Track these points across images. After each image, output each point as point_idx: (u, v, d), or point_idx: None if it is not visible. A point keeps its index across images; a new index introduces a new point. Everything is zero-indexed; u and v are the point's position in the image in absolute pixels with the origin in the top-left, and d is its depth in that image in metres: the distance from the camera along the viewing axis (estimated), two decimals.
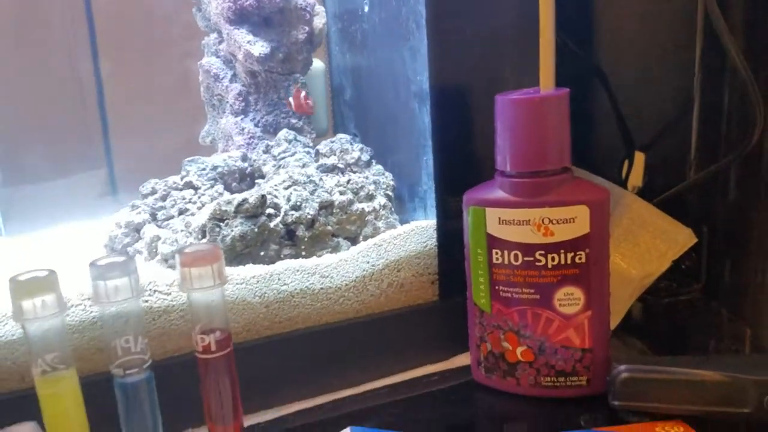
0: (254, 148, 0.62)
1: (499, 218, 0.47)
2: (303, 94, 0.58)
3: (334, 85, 0.71)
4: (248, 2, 0.58)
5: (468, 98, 0.51)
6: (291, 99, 0.59)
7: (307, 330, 0.51)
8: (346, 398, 0.51)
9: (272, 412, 0.50)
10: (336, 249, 0.54)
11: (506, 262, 0.47)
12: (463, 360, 0.54)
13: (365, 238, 0.55)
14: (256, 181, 0.59)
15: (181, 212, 0.55)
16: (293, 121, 0.62)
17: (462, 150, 0.52)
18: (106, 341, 0.40)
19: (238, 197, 0.50)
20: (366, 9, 0.58)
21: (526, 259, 0.46)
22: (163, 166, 0.62)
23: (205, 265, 0.40)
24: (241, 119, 0.62)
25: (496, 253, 0.47)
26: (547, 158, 0.46)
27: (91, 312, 0.46)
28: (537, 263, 0.46)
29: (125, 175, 0.68)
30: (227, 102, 0.63)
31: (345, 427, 0.44)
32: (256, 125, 0.62)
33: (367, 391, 0.51)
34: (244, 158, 0.59)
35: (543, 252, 0.46)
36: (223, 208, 0.50)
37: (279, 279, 0.50)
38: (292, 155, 0.57)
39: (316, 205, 0.52)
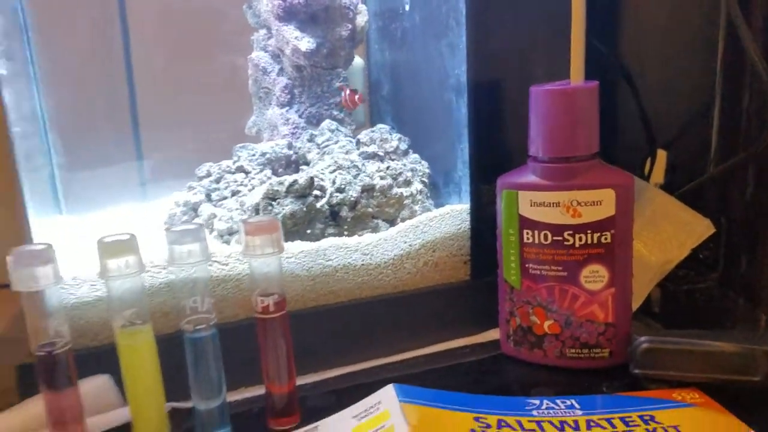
0: (298, 138, 0.66)
1: (531, 201, 0.50)
2: (348, 91, 0.63)
3: (372, 81, 0.75)
4: (297, 0, 0.63)
5: (503, 90, 0.55)
6: (342, 95, 0.64)
7: (349, 302, 0.56)
8: (384, 365, 0.55)
9: (316, 376, 0.54)
10: (375, 230, 0.58)
11: (536, 241, 0.51)
12: (492, 335, 0.58)
13: (402, 221, 0.59)
14: (301, 167, 0.63)
15: (233, 193, 0.60)
16: (335, 113, 0.67)
17: (496, 139, 0.56)
18: (177, 302, 0.44)
19: (288, 178, 0.54)
20: (407, 7, 0.63)
21: (555, 238, 0.50)
22: (211, 154, 0.67)
23: (266, 234, 0.44)
24: (287, 110, 0.67)
25: (527, 233, 0.51)
26: (577, 145, 0.50)
27: (159, 278, 0.50)
28: (565, 242, 0.50)
29: (174, 162, 0.72)
30: (274, 94, 0.67)
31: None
32: (300, 116, 0.67)
33: (402, 360, 0.55)
34: (290, 146, 0.64)
35: (571, 232, 0.50)
36: (275, 188, 0.54)
37: (324, 254, 0.54)
38: (335, 143, 0.61)
39: (358, 188, 0.56)
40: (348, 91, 0.64)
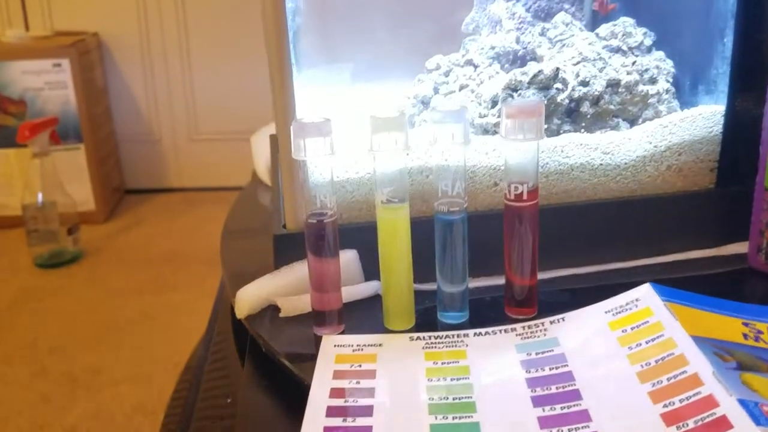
0: (523, 33, 0.64)
1: None
2: None
3: None
4: None
5: None
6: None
7: (582, 203, 0.54)
8: (617, 270, 0.53)
9: (544, 274, 0.53)
10: (614, 129, 0.55)
11: None
12: (734, 249, 0.54)
13: (644, 121, 0.55)
14: (529, 63, 0.61)
15: (461, 88, 0.59)
16: (566, 6, 0.63)
17: (765, 35, 0.50)
18: (429, 186, 0.45)
19: (533, 68, 0.52)
20: None
21: None
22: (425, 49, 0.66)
23: (529, 118, 0.43)
24: (513, 4, 0.64)
25: None
26: None
27: (413, 160, 0.51)
28: None
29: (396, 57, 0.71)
30: None
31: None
32: (527, 10, 0.64)
33: (637, 266, 0.53)
34: (518, 40, 0.62)
35: None
36: (519, 78, 0.53)
37: (562, 151, 0.53)
38: (569, 38, 0.58)
39: (603, 83, 0.53)
40: None
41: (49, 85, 2.00)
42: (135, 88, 2.25)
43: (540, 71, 0.52)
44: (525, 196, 0.45)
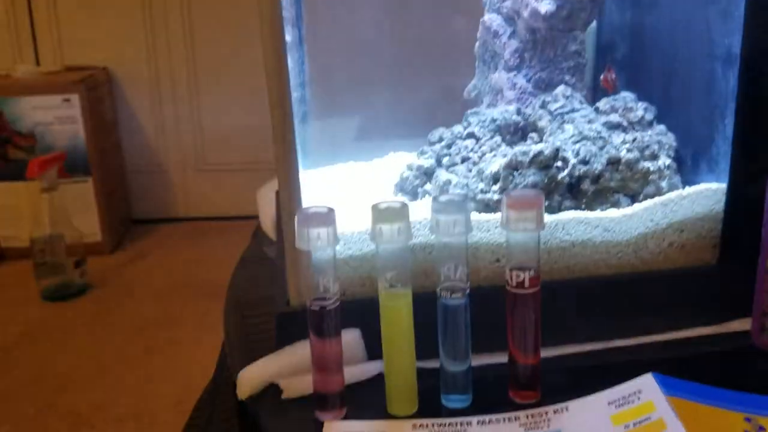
0: (524, 103, 0.64)
1: None
2: (613, 75, 0.60)
3: (601, 44, 0.71)
4: None
5: None
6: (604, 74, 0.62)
7: (584, 279, 0.54)
8: (620, 348, 0.53)
9: (546, 352, 0.53)
10: (615, 205, 0.56)
11: None
12: (738, 326, 0.54)
13: (645, 197, 0.56)
14: (530, 134, 0.61)
15: (463, 160, 0.60)
16: (566, 77, 0.64)
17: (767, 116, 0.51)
18: (435, 266, 0.45)
19: (534, 148, 0.53)
20: None
21: None
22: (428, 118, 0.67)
23: (529, 210, 0.43)
24: (514, 75, 0.65)
25: None
26: None
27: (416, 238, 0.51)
28: None
29: (395, 123, 0.73)
30: (502, 58, 0.66)
31: (634, 376, 0.45)
32: (528, 81, 0.65)
33: (639, 344, 0.53)
34: (518, 112, 0.62)
35: None
36: (519, 158, 0.53)
37: (564, 228, 0.53)
38: (569, 112, 0.59)
39: (604, 161, 0.54)
40: (613, 75, 0.61)
41: (58, 119, 2.02)
42: (143, 120, 2.27)
43: (540, 152, 0.53)
44: (527, 284, 0.45)
